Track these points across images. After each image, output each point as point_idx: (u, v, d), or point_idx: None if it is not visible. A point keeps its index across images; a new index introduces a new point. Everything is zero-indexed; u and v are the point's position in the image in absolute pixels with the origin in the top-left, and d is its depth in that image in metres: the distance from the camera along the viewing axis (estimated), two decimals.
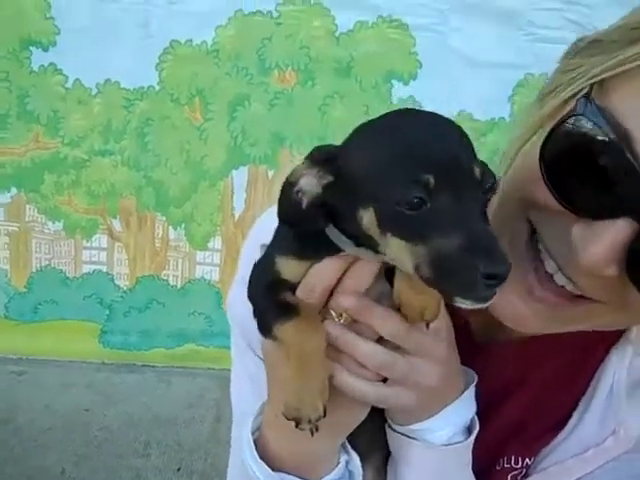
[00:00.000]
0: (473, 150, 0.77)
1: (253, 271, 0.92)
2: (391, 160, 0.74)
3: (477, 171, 0.74)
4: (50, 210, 3.42)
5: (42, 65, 3.23)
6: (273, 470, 0.96)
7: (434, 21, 3.22)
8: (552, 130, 0.82)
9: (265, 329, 0.88)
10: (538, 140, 0.84)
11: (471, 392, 0.98)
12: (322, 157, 0.79)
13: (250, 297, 0.92)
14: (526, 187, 0.84)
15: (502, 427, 1.10)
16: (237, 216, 3.43)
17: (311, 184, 0.79)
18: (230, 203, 3.41)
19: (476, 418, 1.01)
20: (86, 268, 3.52)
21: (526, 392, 1.10)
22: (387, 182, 0.73)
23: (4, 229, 3.47)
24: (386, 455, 1.05)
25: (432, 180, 0.71)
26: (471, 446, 1.00)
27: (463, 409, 0.98)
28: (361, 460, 1.01)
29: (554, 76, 0.88)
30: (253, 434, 0.99)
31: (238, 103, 3.28)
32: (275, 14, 3.20)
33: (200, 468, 2.88)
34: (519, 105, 3.17)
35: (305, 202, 0.79)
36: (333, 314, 0.87)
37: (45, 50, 3.20)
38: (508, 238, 0.86)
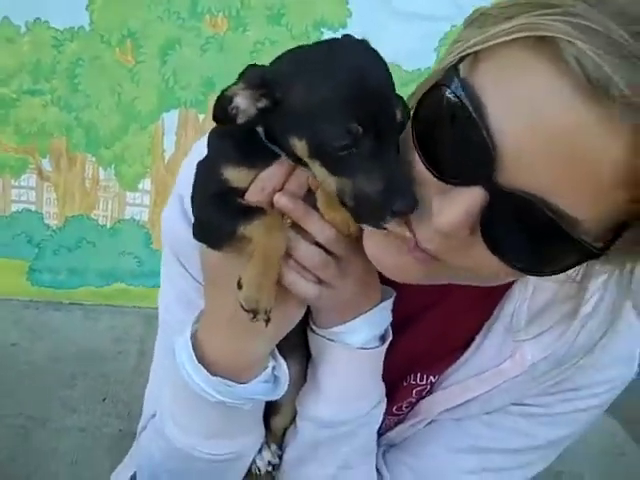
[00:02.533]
0: (394, 87, 0.87)
1: (196, 186, 1.00)
2: (325, 100, 0.83)
3: (399, 116, 0.85)
4: None
5: None
6: (210, 375, 1.04)
7: None
8: (420, 98, 0.86)
9: (221, 237, 0.95)
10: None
11: (387, 304, 1.09)
12: (257, 80, 0.87)
13: (198, 209, 1.00)
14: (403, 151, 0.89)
15: (411, 346, 1.20)
16: (167, 158, 3.47)
17: (246, 105, 0.87)
18: (161, 145, 3.45)
19: (390, 329, 1.12)
20: (15, 207, 3.52)
21: (435, 315, 1.20)
22: (320, 122, 0.83)
23: None
24: (307, 355, 1.16)
25: (360, 130, 0.82)
26: (383, 354, 1.12)
27: (379, 318, 1.09)
28: (287, 360, 1.09)
29: (449, 46, 0.91)
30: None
31: (169, 47, 3.29)
32: None
33: (125, 398, 2.98)
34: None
35: (240, 119, 0.88)
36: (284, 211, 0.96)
37: None
38: None
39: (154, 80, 3.33)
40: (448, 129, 0.83)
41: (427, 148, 0.85)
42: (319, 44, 0.89)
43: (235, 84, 0.88)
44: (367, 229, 0.91)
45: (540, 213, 0.76)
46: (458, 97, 0.79)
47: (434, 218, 0.84)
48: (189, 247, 1.08)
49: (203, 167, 1.00)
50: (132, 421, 2.68)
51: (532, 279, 1.11)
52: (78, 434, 2.83)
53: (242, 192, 0.96)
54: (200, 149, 1.02)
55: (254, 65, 0.89)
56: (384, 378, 1.17)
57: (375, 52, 0.89)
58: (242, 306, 0.93)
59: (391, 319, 1.11)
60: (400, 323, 1.14)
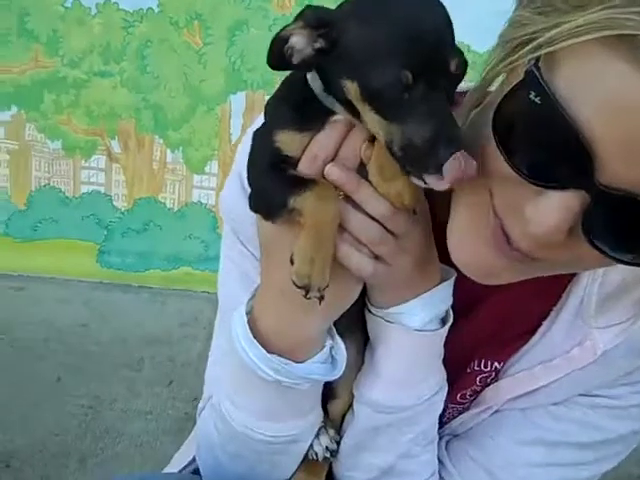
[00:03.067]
0: (453, 37, 0.83)
1: (251, 154, 0.97)
2: (379, 42, 0.80)
3: (454, 65, 0.81)
4: (49, 129, 3.45)
5: None
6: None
7: None
8: (501, 102, 0.82)
9: (275, 208, 0.92)
10: (490, 106, 0.85)
11: (448, 286, 1.04)
12: (316, 20, 0.84)
13: (252, 179, 0.98)
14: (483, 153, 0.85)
15: (475, 331, 1.16)
16: (234, 141, 3.44)
17: (303, 44, 0.84)
18: (228, 128, 3.43)
19: (451, 311, 1.07)
20: (84, 188, 3.56)
21: (500, 298, 1.14)
22: (372, 64, 0.80)
23: (5, 147, 3.50)
24: (365, 338, 1.12)
25: (411, 76, 0.78)
26: (443, 337, 1.07)
27: (438, 299, 1.04)
28: (345, 340, 1.06)
29: (506, 27, 0.86)
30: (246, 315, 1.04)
31: (237, 28, 3.27)
32: None
33: (191, 382, 2.96)
34: None
35: (296, 59, 0.85)
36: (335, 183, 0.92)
37: None
38: (472, 201, 0.91)
39: (221, 62, 3.31)
40: (537, 131, 0.79)
41: (515, 152, 0.80)
42: None
43: (291, 25, 0.85)
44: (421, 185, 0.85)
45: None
46: (545, 99, 0.75)
47: (530, 224, 0.80)
48: (250, 226, 1.05)
49: (258, 135, 0.97)
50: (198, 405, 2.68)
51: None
52: (144, 417, 2.84)
53: (295, 162, 0.92)
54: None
55: (311, 6, 0.86)
56: (446, 364, 1.12)
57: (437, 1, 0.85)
58: (294, 282, 0.89)
59: (452, 301, 1.06)
60: (463, 306, 1.09)
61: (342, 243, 0.93)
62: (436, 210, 1.00)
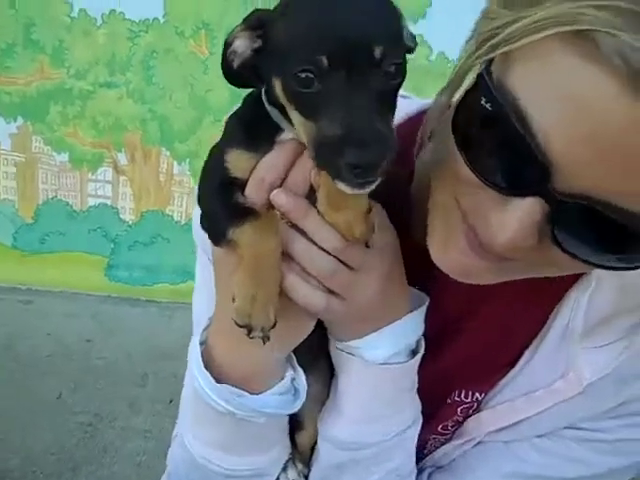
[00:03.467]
0: (387, 27, 0.76)
1: (203, 172, 0.91)
2: (298, 34, 0.74)
3: (377, 51, 0.72)
4: (56, 141, 3.42)
5: None
6: (218, 382, 0.94)
7: None
8: (457, 105, 0.78)
9: (218, 234, 0.86)
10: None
11: (418, 315, 0.97)
12: (256, 21, 0.79)
13: (200, 202, 0.91)
14: (451, 162, 0.81)
15: (454, 360, 1.08)
16: None
17: (243, 46, 0.80)
18: None
19: (422, 342, 0.99)
20: (92, 201, 3.53)
21: (480, 326, 1.07)
22: (290, 55, 0.74)
23: (11, 159, 3.49)
24: (332, 369, 1.04)
25: (325, 60, 0.71)
26: (413, 369, 0.99)
27: (406, 330, 0.96)
28: (306, 373, 1.00)
29: (478, 18, 0.81)
30: (201, 345, 0.98)
31: None
32: None
33: None
34: None
35: (236, 63, 0.80)
36: (278, 214, 0.85)
37: None
38: (441, 209, 0.87)
39: None
40: (492, 139, 0.75)
41: (475, 158, 0.77)
42: None
43: (236, 29, 0.81)
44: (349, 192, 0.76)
45: (603, 215, 0.70)
46: (496, 105, 0.72)
47: (494, 232, 0.77)
48: None
49: (212, 152, 0.90)
50: None
51: (592, 286, 1.00)
52: (143, 435, 2.79)
53: (244, 184, 0.85)
54: None
55: (258, 9, 0.81)
56: (425, 394, 1.04)
57: None
58: (234, 320, 0.82)
59: (422, 330, 0.98)
60: (440, 333, 1.03)
61: (289, 274, 0.86)
62: (415, 221, 0.94)
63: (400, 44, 0.78)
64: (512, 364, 1.08)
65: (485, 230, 0.79)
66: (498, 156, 0.75)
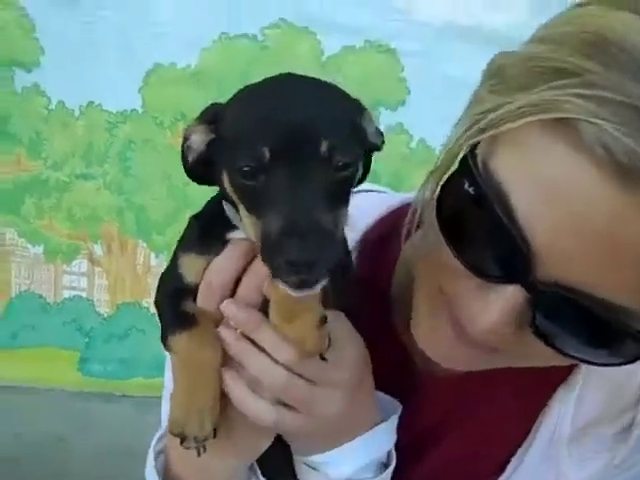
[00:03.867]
0: (340, 123, 0.73)
1: (160, 277, 0.88)
2: (244, 126, 0.73)
3: (324, 145, 0.70)
4: (30, 234, 3.36)
5: (25, 86, 3.19)
6: None
7: (423, 46, 3.15)
8: (441, 188, 0.77)
9: (162, 338, 0.84)
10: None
11: (388, 426, 0.90)
12: (211, 114, 0.78)
13: (156, 306, 0.88)
14: (433, 247, 0.80)
15: (434, 469, 1.01)
16: None
17: (198, 141, 0.79)
18: None
19: (393, 453, 0.92)
20: (66, 293, 3.44)
21: (460, 435, 1.02)
22: (236, 148, 0.72)
23: None
24: None
25: (267, 153, 0.69)
26: None
27: (374, 444, 0.90)
28: None
29: (468, 103, 0.81)
30: (158, 455, 0.94)
31: None
32: (260, 37, 3.15)
33: None
34: None
35: (191, 158, 0.79)
36: (231, 322, 0.81)
37: (28, 71, 3.17)
38: (426, 298, 0.86)
39: None
40: (474, 224, 0.75)
41: (457, 242, 0.76)
42: (270, 77, 0.79)
43: (193, 123, 0.81)
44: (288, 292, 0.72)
45: (585, 307, 0.69)
46: (479, 189, 0.71)
47: (475, 321, 0.76)
48: None
49: (172, 256, 0.87)
50: None
51: (576, 391, 0.98)
52: None
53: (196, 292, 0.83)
54: None
55: (215, 103, 0.80)
56: None
57: (326, 86, 0.78)
58: (169, 429, 0.79)
59: (393, 441, 0.92)
60: (419, 441, 0.97)
61: (237, 385, 0.81)
62: (396, 319, 0.92)
63: (353, 139, 0.74)
64: (497, 474, 1.01)
65: (467, 317, 0.77)
66: (480, 242, 0.74)
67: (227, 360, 0.82)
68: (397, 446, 0.93)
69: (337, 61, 3.14)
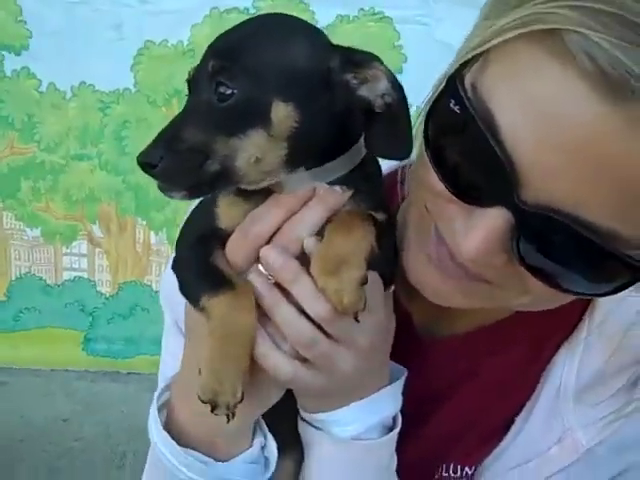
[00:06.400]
0: (258, 55, 0.76)
1: (188, 218, 0.89)
2: None
3: (210, 63, 0.76)
4: (28, 217, 3.35)
5: (15, 70, 3.15)
6: (179, 445, 0.89)
7: (418, 13, 3.10)
8: (428, 110, 0.77)
9: (192, 297, 0.83)
10: None
11: (394, 389, 0.91)
12: None
13: (178, 253, 0.87)
14: (420, 168, 0.81)
15: (441, 431, 1.04)
16: None
17: None
18: None
19: (399, 417, 0.93)
20: (67, 275, 3.44)
21: (465, 394, 1.03)
22: None
23: None
24: None
25: (191, 73, 0.79)
26: (390, 446, 0.93)
27: (381, 405, 0.91)
28: (282, 450, 0.95)
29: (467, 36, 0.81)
30: (160, 409, 0.94)
31: None
32: (252, 10, 3.10)
33: None
34: None
35: None
36: (264, 271, 0.81)
37: (17, 54, 3.13)
38: (416, 217, 0.85)
39: None
40: (459, 144, 0.75)
41: (441, 164, 0.76)
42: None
43: None
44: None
45: (571, 230, 0.68)
46: (464, 108, 0.71)
47: (460, 243, 0.76)
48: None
49: (201, 203, 0.88)
50: None
51: (581, 347, 0.99)
52: None
53: (228, 237, 0.83)
54: None
55: None
56: (409, 469, 0.97)
57: (284, 26, 0.81)
58: (199, 396, 0.77)
59: (399, 405, 0.92)
60: (424, 404, 0.98)
61: (261, 339, 0.80)
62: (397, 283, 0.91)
63: (279, 76, 0.76)
64: (502, 433, 1.03)
65: (452, 240, 0.77)
66: (464, 163, 0.74)
67: None
68: (401, 411, 0.93)
69: (332, 31, 3.09)
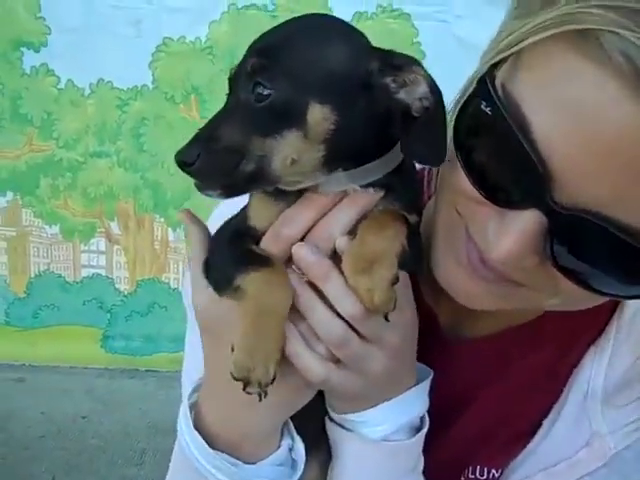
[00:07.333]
0: (297, 57, 0.76)
1: (224, 223, 0.88)
2: None
3: (250, 63, 0.75)
4: (47, 214, 3.38)
5: (34, 66, 3.17)
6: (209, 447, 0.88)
7: (437, 9, 3.09)
8: (458, 113, 0.75)
9: (223, 282, 0.82)
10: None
11: (421, 390, 0.90)
12: None
13: (212, 249, 0.87)
14: (451, 171, 0.78)
15: (468, 433, 1.02)
16: None
17: None
18: None
19: (427, 418, 0.92)
20: (85, 272, 3.46)
21: (492, 395, 1.01)
22: None
23: (2, 234, 3.43)
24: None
25: (232, 71, 0.78)
26: (418, 447, 0.92)
27: (409, 406, 0.90)
28: (309, 451, 0.93)
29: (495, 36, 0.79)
30: (191, 409, 0.91)
31: None
32: (270, 7, 3.10)
33: None
34: None
35: None
36: (297, 270, 0.80)
37: (36, 51, 3.15)
38: (446, 220, 0.84)
39: None
40: (491, 146, 0.74)
41: (473, 167, 0.75)
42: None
43: None
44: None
45: (605, 232, 0.67)
46: (496, 110, 0.70)
47: (491, 247, 0.74)
48: None
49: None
50: None
51: (609, 349, 0.97)
52: None
53: (259, 238, 0.83)
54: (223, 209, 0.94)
55: None
56: (436, 473, 0.96)
57: (325, 27, 0.80)
58: (231, 373, 0.76)
59: (426, 406, 0.91)
60: (451, 406, 0.96)
61: (294, 338, 0.80)
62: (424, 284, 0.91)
63: (319, 78, 0.75)
64: (529, 435, 1.01)
65: (483, 243, 0.76)
66: (496, 166, 0.72)
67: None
68: (428, 411, 0.92)
69: None
